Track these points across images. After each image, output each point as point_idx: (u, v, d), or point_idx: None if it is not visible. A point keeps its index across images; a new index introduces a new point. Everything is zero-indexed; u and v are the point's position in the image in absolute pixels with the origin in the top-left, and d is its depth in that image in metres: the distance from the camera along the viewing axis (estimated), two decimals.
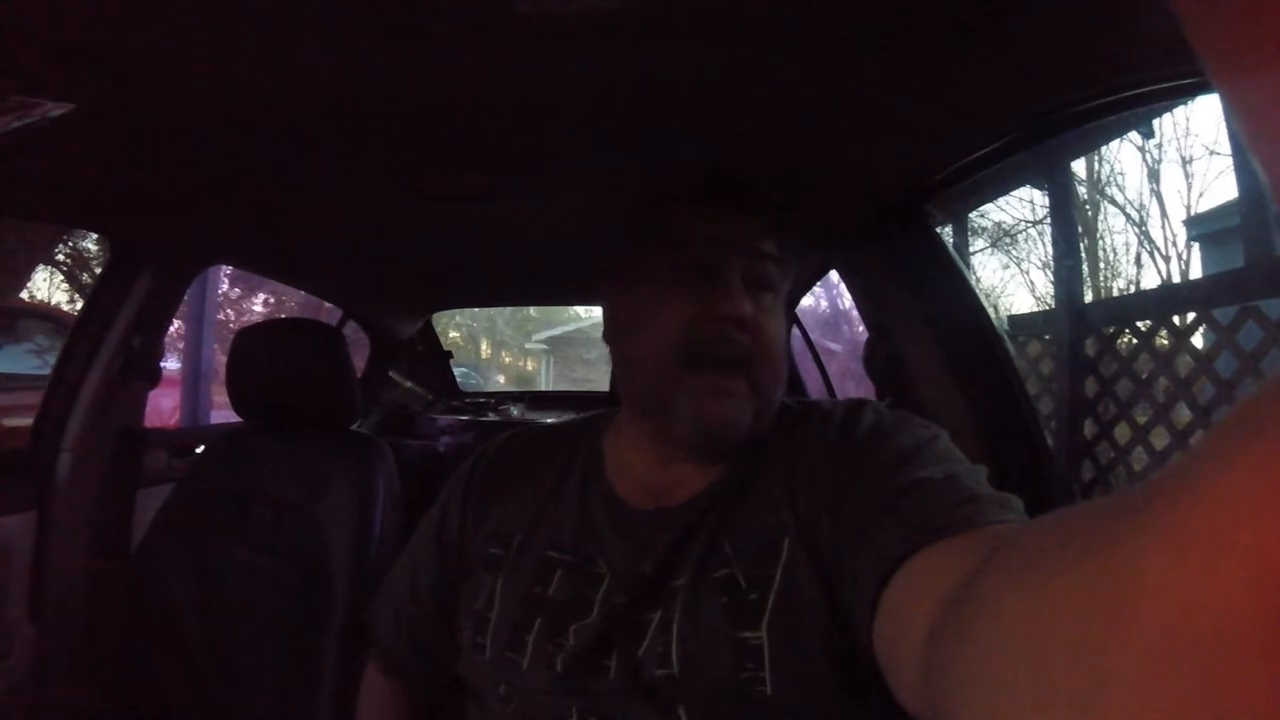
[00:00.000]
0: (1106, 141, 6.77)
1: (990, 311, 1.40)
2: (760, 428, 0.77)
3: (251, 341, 1.55)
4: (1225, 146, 7.79)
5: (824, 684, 0.63)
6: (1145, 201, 9.64)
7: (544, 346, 18.39)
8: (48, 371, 1.73)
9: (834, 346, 8.60)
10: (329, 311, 2.96)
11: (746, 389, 0.74)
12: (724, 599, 0.68)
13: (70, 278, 8.58)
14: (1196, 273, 8.46)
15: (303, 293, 2.86)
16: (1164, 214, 9.58)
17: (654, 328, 0.77)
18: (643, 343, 0.78)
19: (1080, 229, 8.35)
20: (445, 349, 3.67)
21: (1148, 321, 2.74)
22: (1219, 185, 8.95)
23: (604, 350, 0.88)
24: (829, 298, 9.63)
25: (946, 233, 3.51)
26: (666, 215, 0.81)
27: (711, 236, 0.77)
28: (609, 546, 0.76)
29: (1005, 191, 7.06)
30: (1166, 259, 9.56)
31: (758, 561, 0.69)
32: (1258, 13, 0.19)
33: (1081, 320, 2.95)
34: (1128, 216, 9.71)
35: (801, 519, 0.69)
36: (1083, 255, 7.98)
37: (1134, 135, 7.76)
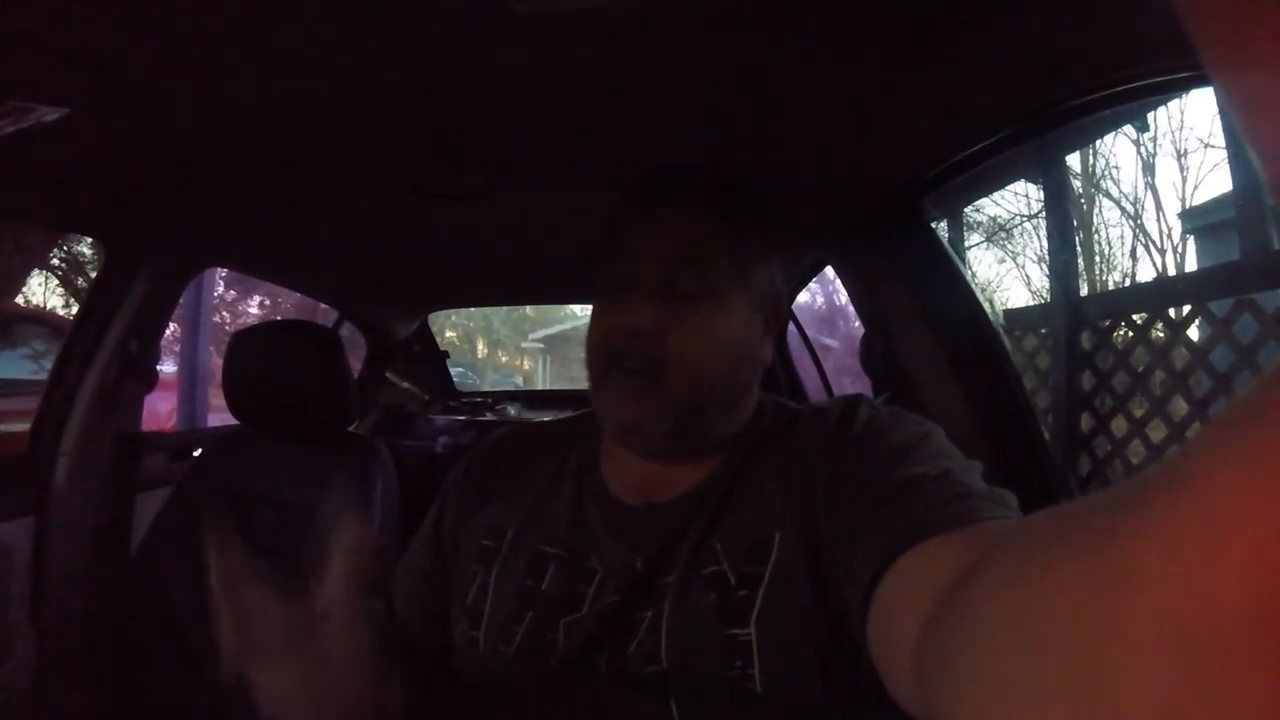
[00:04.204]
0: (1101, 135, 6.79)
1: (986, 306, 1.40)
2: (698, 426, 0.77)
3: (247, 344, 1.55)
4: (1220, 139, 7.81)
5: (814, 680, 0.64)
6: (1140, 195, 9.68)
7: (540, 345, 18.37)
8: (44, 376, 1.73)
9: (830, 342, 8.59)
10: (325, 313, 2.96)
11: (657, 390, 0.74)
12: (713, 596, 0.68)
13: (65, 282, 8.56)
14: (1192, 266, 8.47)
15: (298, 294, 2.86)
16: (1159, 207, 9.62)
17: (590, 336, 0.80)
18: (587, 349, 0.81)
19: (1075, 223, 8.37)
20: (441, 349, 3.66)
21: (1143, 314, 2.75)
22: (1214, 178, 8.97)
23: None
24: (825, 294, 9.60)
25: (942, 228, 3.51)
26: (613, 223, 0.82)
27: (629, 246, 0.78)
28: (601, 543, 0.76)
29: (1000, 186, 7.08)
30: (1162, 252, 9.60)
31: (748, 558, 0.69)
32: (1256, 6, 0.19)
33: (1077, 314, 2.96)
34: (1123, 210, 9.75)
35: (795, 514, 0.70)
36: (1078, 249, 8.00)
37: (1129, 129, 7.78)
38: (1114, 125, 5.57)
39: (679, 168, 0.82)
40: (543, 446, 0.89)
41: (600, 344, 0.78)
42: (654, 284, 0.75)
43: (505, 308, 14.93)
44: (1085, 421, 2.85)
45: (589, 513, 0.79)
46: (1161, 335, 2.65)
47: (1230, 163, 2.76)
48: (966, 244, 8.59)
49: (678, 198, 0.79)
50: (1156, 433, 2.58)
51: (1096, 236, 9.82)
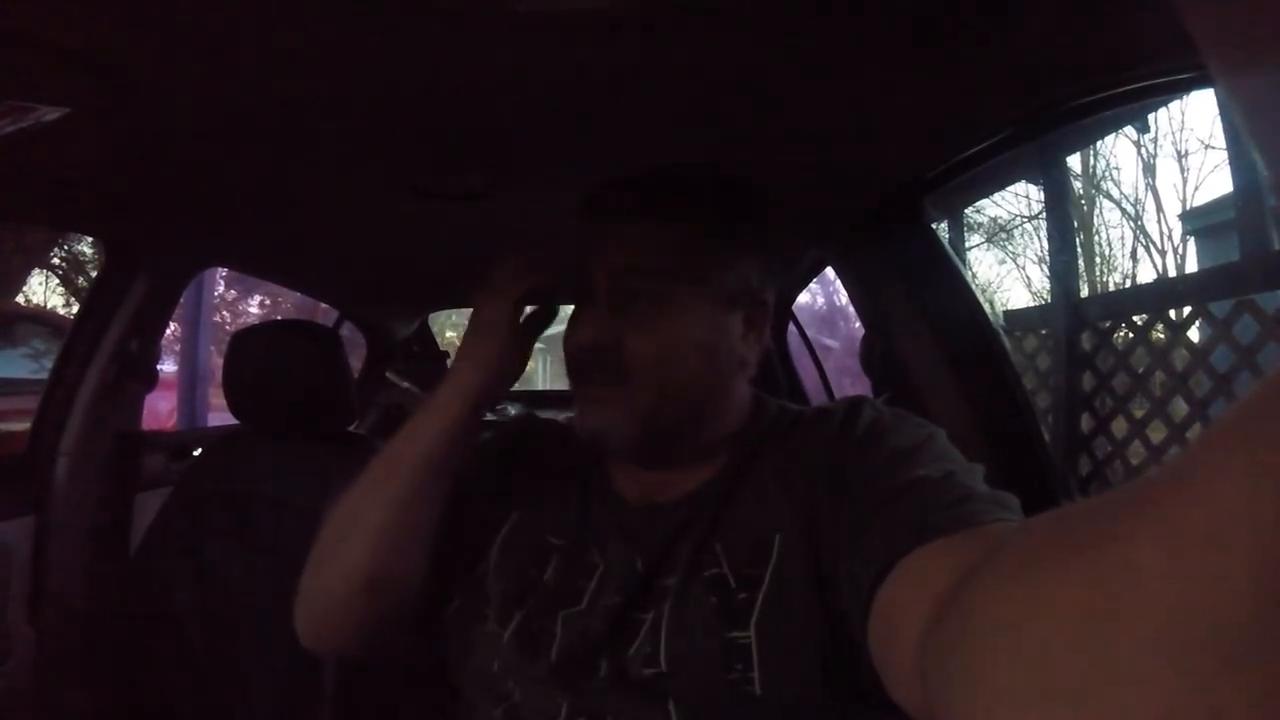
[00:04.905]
0: (1102, 136, 6.79)
1: (986, 307, 1.40)
2: (672, 431, 0.77)
3: (248, 344, 1.55)
4: (1221, 140, 7.81)
5: (813, 683, 0.64)
6: (1141, 196, 9.68)
7: (541, 345, 18.22)
8: (44, 376, 1.73)
9: (831, 343, 8.58)
10: (325, 313, 2.96)
11: (622, 400, 0.74)
12: (713, 599, 0.68)
13: (65, 281, 8.56)
14: (1192, 267, 8.48)
15: (298, 294, 2.86)
16: (1160, 208, 9.62)
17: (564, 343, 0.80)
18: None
19: (1076, 224, 8.37)
20: (441, 349, 3.66)
21: (1144, 316, 2.75)
22: (1215, 179, 8.98)
23: None
24: (825, 294, 9.60)
25: (942, 228, 3.51)
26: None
27: (588, 257, 0.78)
28: (604, 539, 0.77)
29: (1001, 187, 7.08)
30: (1162, 253, 9.61)
31: (748, 561, 0.69)
32: (1261, 7, 0.19)
33: (1077, 315, 2.96)
34: (1123, 211, 9.76)
35: (796, 516, 0.69)
36: (1078, 250, 7.99)
37: (1129, 130, 7.78)
38: (1115, 126, 5.57)
39: (628, 176, 0.81)
40: (558, 441, 0.90)
41: (568, 357, 0.79)
42: (607, 297, 0.75)
43: None
44: (1085, 422, 2.85)
45: (594, 509, 0.80)
46: (1162, 336, 2.65)
47: (1231, 164, 2.76)
48: (967, 245, 8.59)
49: (623, 207, 0.78)
50: (1157, 434, 2.57)
51: (1097, 237, 9.83)
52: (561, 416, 0.99)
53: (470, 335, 0.80)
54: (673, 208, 0.77)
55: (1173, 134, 9.45)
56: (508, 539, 0.81)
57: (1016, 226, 9.96)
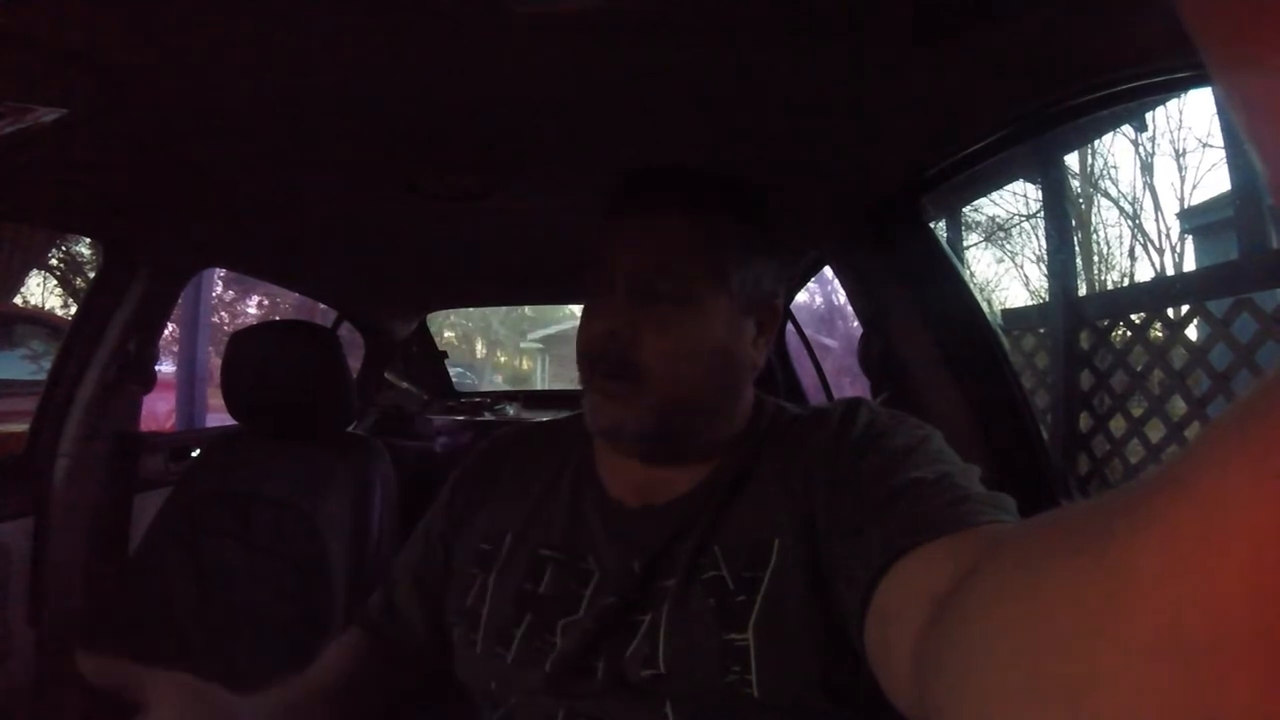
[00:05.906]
0: (1099, 135, 6.79)
1: (984, 306, 1.40)
2: (682, 429, 0.77)
3: (246, 344, 1.55)
4: (1218, 139, 7.80)
5: (811, 685, 0.64)
6: (1139, 194, 9.67)
7: (539, 345, 18.37)
8: (43, 377, 1.73)
9: (829, 342, 8.61)
10: (324, 313, 2.96)
11: (636, 394, 0.74)
12: (711, 601, 0.68)
13: (64, 282, 8.56)
14: (1190, 265, 8.47)
15: (297, 294, 2.86)
16: (1158, 207, 9.61)
17: (576, 341, 0.80)
18: (576, 353, 0.81)
19: (1074, 222, 8.38)
20: (440, 349, 3.66)
21: (1142, 314, 2.75)
22: (1212, 178, 8.96)
23: None
24: (824, 293, 9.62)
25: (940, 227, 3.51)
26: (603, 225, 0.82)
27: (605, 256, 0.78)
28: (599, 544, 0.76)
29: (999, 186, 7.06)
30: (1160, 252, 9.59)
31: (747, 563, 0.69)
32: (1261, 5, 0.19)
33: (1076, 313, 2.96)
34: (1121, 210, 9.75)
35: (795, 519, 0.69)
36: (1076, 249, 7.99)
37: (1127, 129, 7.78)
38: (1112, 125, 5.58)
39: (652, 172, 0.81)
40: (540, 448, 0.89)
41: (582, 348, 0.78)
42: (627, 290, 0.75)
43: (504, 308, 14.92)
44: (1084, 421, 2.85)
45: (587, 515, 0.79)
46: (1160, 335, 2.66)
47: (1228, 162, 2.77)
48: (965, 244, 8.58)
49: (648, 204, 0.78)
50: (1155, 432, 2.58)
51: (1095, 236, 9.81)
52: (559, 417, 0.99)
53: None
54: (696, 207, 0.77)
55: (1170, 133, 9.44)
56: (504, 563, 0.80)
57: (1015, 225, 9.95)
